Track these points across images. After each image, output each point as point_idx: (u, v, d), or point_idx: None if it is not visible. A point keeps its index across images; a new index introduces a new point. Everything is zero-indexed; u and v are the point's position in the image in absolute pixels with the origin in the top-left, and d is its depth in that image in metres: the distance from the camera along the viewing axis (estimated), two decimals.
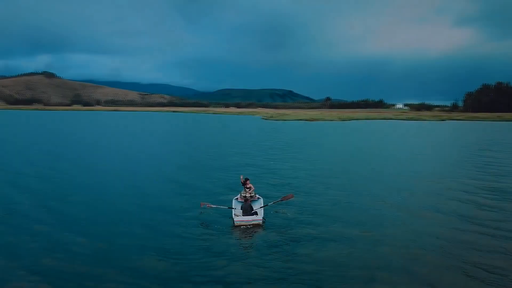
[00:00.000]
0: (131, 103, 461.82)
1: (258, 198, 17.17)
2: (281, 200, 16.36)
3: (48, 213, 16.01)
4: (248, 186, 16.95)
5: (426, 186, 22.35)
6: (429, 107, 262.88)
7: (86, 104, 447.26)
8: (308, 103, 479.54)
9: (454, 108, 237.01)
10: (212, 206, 15.79)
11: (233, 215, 15.05)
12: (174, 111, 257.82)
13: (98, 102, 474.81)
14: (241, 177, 17.90)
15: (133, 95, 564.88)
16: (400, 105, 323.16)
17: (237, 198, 17.06)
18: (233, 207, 16.02)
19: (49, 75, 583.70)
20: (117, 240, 13.05)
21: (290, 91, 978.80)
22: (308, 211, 16.58)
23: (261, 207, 15.90)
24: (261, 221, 14.80)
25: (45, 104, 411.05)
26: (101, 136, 58.53)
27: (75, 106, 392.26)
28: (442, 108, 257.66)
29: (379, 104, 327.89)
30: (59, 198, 18.60)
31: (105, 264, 11.03)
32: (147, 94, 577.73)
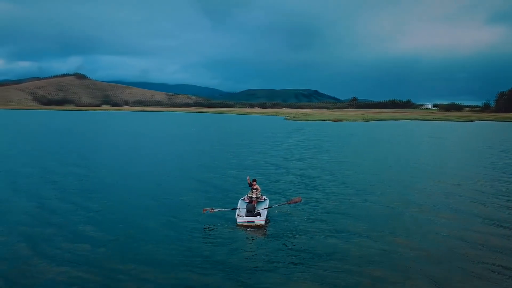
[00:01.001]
0: (158, 104, 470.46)
1: (265, 199, 17.13)
2: (288, 203, 16.02)
3: (74, 208, 16.90)
4: (255, 187, 17.00)
5: (435, 186, 21.71)
6: (459, 107, 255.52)
7: (115, 104, 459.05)
8: (333, 103, 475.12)
9: (485, 108, 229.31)
10: (216, 210, 15.58)
11: (236, 215, 15.16)
12: (199, 112, 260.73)
13: (126, 103, 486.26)
14: (248, 178, 17.99)
15: (160, 95, 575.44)
16: (429, 105, 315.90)
17: (243, 199, 17.14)
18: (238, 207, 16.14)
19: (80, 76, 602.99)
20: (133, 233, 13.69)
21: (316, 91, 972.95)
22: (317, 212, 16.38)
23: (265, 208, 15.93)
24: (263, 223, 14.74)
25: (76, 105, 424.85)
26: (127, 135, 59.96)
27: (104, 107, 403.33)
28: (473, 108, 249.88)
29: (407, 105, 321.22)
30: (86, 194, 19.50)
31: (121, 255, 11.71)
32: (173, 95, 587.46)
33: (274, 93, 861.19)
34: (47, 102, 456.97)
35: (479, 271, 11.04)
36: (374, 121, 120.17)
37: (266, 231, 14.29)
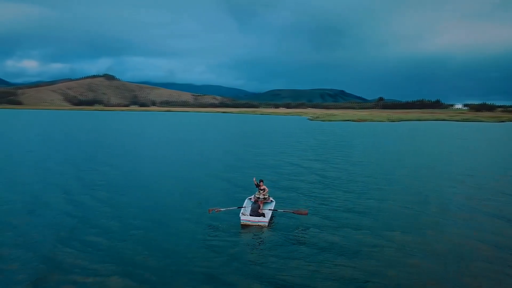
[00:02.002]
0: (185, 104, 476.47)
1: (272, 201, 16.97)
2: (293, 212, 15.49)
3: (98, 203, 17.73)
4: (262, 187, 16.93)
5: (451, 186, 21.06)
6: (490, 108, 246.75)
7: (142, 104, 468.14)
8: (360, 103, 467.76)
9: None
10: (221, 209, 15.46)
11: (241, 214, 15.14)
12: (223, 112, 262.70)
13: (153, 103, 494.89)
14: (254, 179, 17.94)
15: (187, 96, 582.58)
16: (459, 106, 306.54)
17: (250, 198, 17.10)
18: (243, 206, 16.09)
19: (109, 77, 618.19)
20: (148, 227, 14.14)
21: (342, 91, 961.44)
22: (323, 213, 16.09)
23: (270, 209, 15.90)
24: (267, 223, 14.64)
25: (105, 105, 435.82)
26: (154, 135, 61.18)
27: (132, 107, 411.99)
28: (506, 108, 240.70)
29: (436, 105, 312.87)
30: (112, 190, 20.46)
31: (133, 247, 12.27)
32: (199, 95, 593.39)
33: (299, 93, 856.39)
34: (78, 102, 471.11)
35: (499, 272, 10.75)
36: (400, 122, 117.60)
37: (269, 231, 14.19)
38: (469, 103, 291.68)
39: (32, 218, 15.44)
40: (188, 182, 22.91)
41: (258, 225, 14.67)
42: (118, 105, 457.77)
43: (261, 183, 17.05)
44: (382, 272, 10.83)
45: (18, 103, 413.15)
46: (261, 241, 13.35)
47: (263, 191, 16.81)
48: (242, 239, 13.45)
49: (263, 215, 15.19)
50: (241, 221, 14.77)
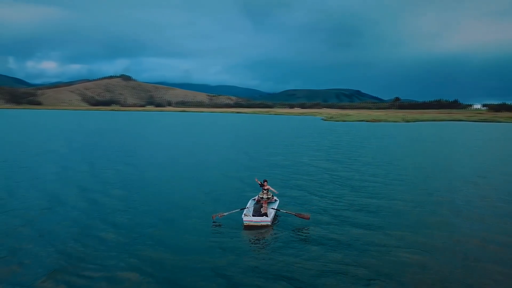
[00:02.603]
0: (200, 104, 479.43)
1: (276, 200, 17.21)
2: (295, 215, 15.54)
3: (112, 200, 18.36)
4: (266, 187, 16.97)
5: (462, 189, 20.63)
6: (510, 108, 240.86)
7: (158, 105, 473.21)
8: (376, 103, 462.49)
9: None
10: (225, 214, 15.59)
11: (243, 215, 15.18)
12: (237, 112, 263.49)
13: (169, 103, 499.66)
14: (256, 179, 17.95)
15: (202, 96, 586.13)
16: (477, 106, 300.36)
17: (254, 199, 17.16)
18: (246, 207, 16.17)
19: (126, 78, 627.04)
20: (155, 224, 14.41)
21: (358, 91, 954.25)
22: (330, 213, 16.31)
23: (273, 208, 15.92)
24: (269, 223, 14.84)
25: (122, 105, 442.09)
26: (170, 135, 61.86)
27: (148, 107, 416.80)
28: None
29: (454, 105, 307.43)
30: (127, 188, 21.20)
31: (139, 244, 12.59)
32: (214, 96, 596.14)
33: (315, 93, 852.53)
34: (95, 102, 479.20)
35: None
36: (415, 122, 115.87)
37: (272, 231, 14.36)
38: (489, 103, 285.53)
39: (49, 214, 16.19)
40: (200, 182, 23.39)
41: (261, 225, 14.77)
42: (134, 105, 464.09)
43: (265, 183, 17.13)
44: (390, 272, 10.94)
45: (38, 103, 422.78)
46: (263, 240, 13.59)
47: (267, 191, 16.80)
48: (244, 239, 13.67)
49: (265, 214, 15.28)
50: (244, 222, 14.92)
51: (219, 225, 14.85)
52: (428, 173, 27.11)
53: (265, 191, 16.76)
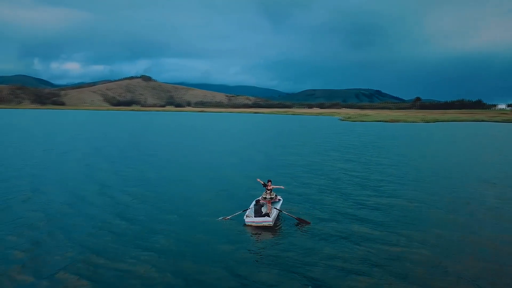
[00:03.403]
0: (219, 105, 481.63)
1: (279, 200, 17.58)
2: (296, 218, 15.77)
3: (130, 197, 18.89)
4: (269, 187, 17.33)
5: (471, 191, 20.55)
6: None
7: (178, 105, 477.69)
8: (396, 103, 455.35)
9: None
10: (228, 217, 16.10)
11: (245, 216, 15.63)
12: (255, 112, 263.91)
13: (188, 104, 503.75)
14: (258, 180, 18.41)
15: (221, 96, 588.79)
16: (502, 106, 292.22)
17: (258, 200, 17.51)
18: (249, 207, 16.63)
19: (146, 78, 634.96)
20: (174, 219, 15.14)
21: (378, 91, 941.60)
22: (329, 214, 16.68)
23: (276, 209, 16.29)
24: (271, 223, 15.20)
25: (142, 105, 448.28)
26: (189, 135, 62.91)
27: (167, 107, 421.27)
28: None
29: (477, 105, 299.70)
30: (143, 187, 21.86)
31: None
32: (233, 96, 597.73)
33: (334, 93, 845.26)
34: (116, 103, 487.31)
35: None
36: (435, 122, 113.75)
37: (273, 231, 14.75)
38: None
39: (71, 209, 17.34)
40: (216, 181, 24.20)
41: (263, 225, 15.03)
42: (154, 105, 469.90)
43: (269, 183, 17.49)
44: (395, 270, 11.24)
45: (61, 103, 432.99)
46: (264, 240, 14.02)
47: (270, 191, 17.10)
48: (246, 239, 14.12)
49: (267, 215, 15.50)
50: (246, 223, 15.33)
51: (225, 224, 15.47)
52: (445, 174, 26.96)
53: (268, 191, 17.16)
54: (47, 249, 12.62)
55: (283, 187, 18.37)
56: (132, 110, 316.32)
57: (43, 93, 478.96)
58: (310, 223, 15.38)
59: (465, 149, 44.92)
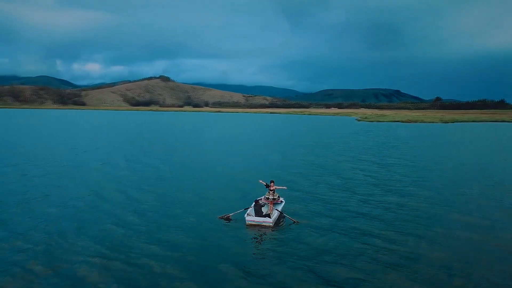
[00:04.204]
0: (236, 105, 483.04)
1: (282, 201, 17.51)
2: (292, 219, 15.99)
3: (145, 195, 19.37)
4: (272, 188, 17.32)
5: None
6: None
7: (196, 105, 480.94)
8: (415, 103, 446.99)
9: None
10: (230, 215, 16.24)
11: (246, 215, 15.60)
12: (271, 113, 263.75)
13: (206, 104, 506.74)
14: (261, 181, 18.37)
15: (238, 97, 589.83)
16: None
17: (260, 199, 17.51)
18: (251, 206, 16.63)
19: (165, 79, 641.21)
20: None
21: (397, 91, 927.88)
22: (331, 214, 16.62)
23: (277, 210, 16.24)
24: (271, 224, 15.21)
25: (161, 106, 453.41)
26: (203, 136, 63.49)
27: (185, 107, 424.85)
28: None
29: (500, 105, 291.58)
30: (158, 185, 22.65)
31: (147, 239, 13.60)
32: (250, 96, 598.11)
33: (352, 93, 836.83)
34: (135, 103, 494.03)
35: None
36: (453, 123, 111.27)
37: (272, 232, 14.81)
38: None
39: (89, 204, 18.28)
40: (229, 180, 24.74)
41: (263, 225, 15.03)
42: (173, 105, 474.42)
43: (272, 184, 17.46)
44: (383, 274, 11.16)
45: (82, 103, 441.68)
46: (262, 241, 14.07)
47: (273, 192, 17.09)
48: (246, 237, 14.26)
49: (268, 216, 15.50)
50: (246, 221, 15.29)
51: (227, 222, 15.72)
52: (457, 175, 26.42)
53: (271, 192, 17.13)
54: (64, 242, 13.32)
55: (285, 188, 18.29)
56: (151, 110, 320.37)
57: (64, 94, 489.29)
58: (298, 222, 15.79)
59: (477, 150, 43.90)
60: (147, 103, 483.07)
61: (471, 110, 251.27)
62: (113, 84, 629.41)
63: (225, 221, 15.79)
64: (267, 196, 17.17)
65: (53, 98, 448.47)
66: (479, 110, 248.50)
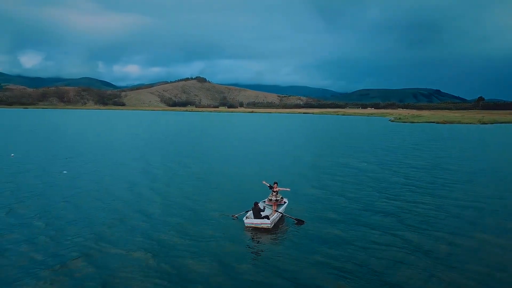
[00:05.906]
0: (270, 105, 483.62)
1: (285, 202, 17.54)
2: (294, 219, 16.18)
3: (154, 194, 20.05)
4: (275, 189, 17.35)
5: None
6: None
7: (231, 106, 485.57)
8: (457, 103, 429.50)
9: None
10: (236, 215, 16.61)
11: (245, 217, 15.78)
12: (304, 113, 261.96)
13: (241, 104, 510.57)
14: (264, 182, 18.45)
15: (272, 97, 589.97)
16: None
17: (264, 201, 17.60)
18: (251, 208, 16.63)
19: (201, 79, 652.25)
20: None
21: (438, 91, 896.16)
22: (333, 214, 16.53)
23: (276, 211, 16.31)
24: (270, 225, 15.30)
25: (196, 106, 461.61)
26: (234, 136, 64.43)
27: (220, 108, 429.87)
28: None
29: None
30: (172, 185, 23.22)
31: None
32: (285, 96, 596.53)
33: (390, 93, 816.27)
34: (172, 103, 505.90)
35: None
36: (493, 124, 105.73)
37: (272, 233, 14.90)
38: None
39: (96, 201, 19.17)
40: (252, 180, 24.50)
41: (262, 227, 15.16)
42: (208, 106, 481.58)
43: (275, 185, 17.48)
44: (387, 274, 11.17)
45: (122, 104, 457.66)
46: (261, 242, 14.14)
47: (276, 193, 17.13)
48: (244, 240, 14.35)
49: (266, 217, 15.58)
50: (245, 224, 15.46)
51: (226, 223, 15.96)
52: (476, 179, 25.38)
53: (274, 193, 17.15)
54: (64, 236, 14.15)
55: (289, 190, 18.32)
56: (186, 110, 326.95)
57: (105, 95, 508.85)
58: (304, 222, 15.89)
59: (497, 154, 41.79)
60: (183, 104, 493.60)
61: None
62: (151, 85, 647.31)
63: (234, 220, 16.30)
64: (270, 198, 17.24)
65: (94, 98, 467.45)
66: None
